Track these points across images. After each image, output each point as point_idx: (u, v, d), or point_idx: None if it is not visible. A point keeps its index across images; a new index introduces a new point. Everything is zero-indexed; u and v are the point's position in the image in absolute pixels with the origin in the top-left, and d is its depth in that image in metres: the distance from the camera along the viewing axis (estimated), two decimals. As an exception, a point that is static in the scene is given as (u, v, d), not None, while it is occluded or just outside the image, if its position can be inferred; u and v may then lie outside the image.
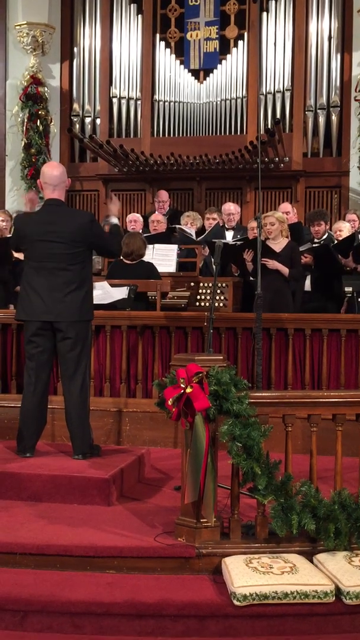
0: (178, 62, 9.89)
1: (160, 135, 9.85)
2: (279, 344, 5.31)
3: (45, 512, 3.71)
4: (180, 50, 9.95)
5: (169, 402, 3.20)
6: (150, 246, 6.50)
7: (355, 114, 9.28)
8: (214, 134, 9.68)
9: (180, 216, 8.02)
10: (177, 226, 7.51)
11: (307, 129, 9.55)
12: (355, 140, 9.25)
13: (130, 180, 10.03)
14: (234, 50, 9.74)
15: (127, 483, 4.13)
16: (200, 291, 6.46)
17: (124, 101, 9.99)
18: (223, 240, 6.22)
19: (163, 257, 6.60)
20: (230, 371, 3.27)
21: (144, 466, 4.53)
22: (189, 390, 3.15)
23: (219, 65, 9.75)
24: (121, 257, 6.00)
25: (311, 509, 3.18)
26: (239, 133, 9.59)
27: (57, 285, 4.26)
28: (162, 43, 9.94)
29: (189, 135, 9.76)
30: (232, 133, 9.61)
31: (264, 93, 9.61)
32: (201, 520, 3.25)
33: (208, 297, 6.32)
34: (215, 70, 9.75)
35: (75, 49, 10.26)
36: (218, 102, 9.68)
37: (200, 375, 3.19)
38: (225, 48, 9.83)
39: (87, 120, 10.17)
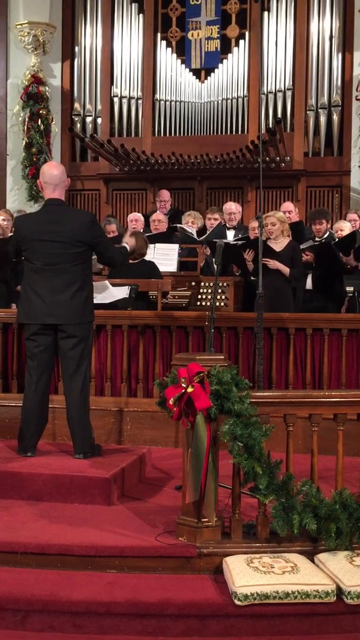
0: (179, 61, 9.90)
1: (162, 135, 9.85)
2: (280, 344, 5.31)
3: (46, 512, 3.71)
4: (182, 50, 9.96)
5: (170, 402, 3.20)
6: (151, 245, 6.50)
7: (357, 114, 9.28)
8: (215, 133, 9.68)
9: (182, 215, 8.02)
10: (179, 225, 7.51)
11: (308, 128, 9.55)
12: (356, 140, 9.25)
13: (131, 179, 10.03)
14: (235, 49, 9.74)
15: (128, 482, 4.13)
16: (201, 291, 6.45)
17: (125, 100, 9.99)
18: (224, 240, 6.21)
19: (164, 257, 6.59)
20: (232, 371, 3.26)
21: (145, 466, 4.53)
22: (190, 389, 3.15)
23: (220, 65, 9.75)
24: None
25: (312, 508, 3.18)
26: (240, 132, 9.59)
27: (58, 286, 4.25)
28: (164, 42, 9.95)
29: (190, 134, 9.76)
30: (233, 132, 9.61)
31: (265, 92, 9.61)
32: (202, 519, 3.25)
33: (209, 297, 6.32)
34: (216, 70, 9.75)
35: (76, 48, 10.27)
36: (219, 102, 9.68)
37: (202, 374, 3.18)
38: (226, 47, 9.83)
39: (88, 119, 10.17)
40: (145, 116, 9.94)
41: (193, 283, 6.50)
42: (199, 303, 6.42)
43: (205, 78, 9.83)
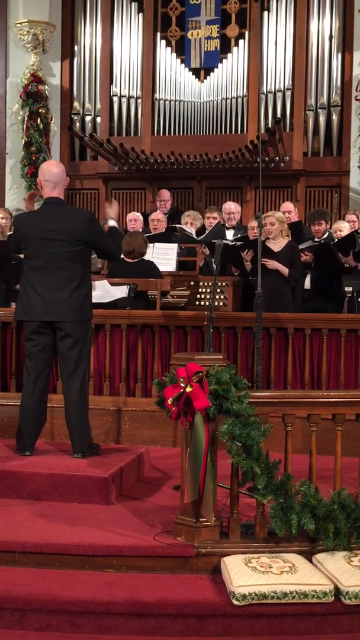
0: (179, 60, 9.89)
1: (161, 134, 9.85)
2: (279, 344, 5.31)
3: (44, 511, 3.71)
4: (181, 49, 9.96)
5: (169, 401, 3.20)
6: (150, 245, 6.49)
7: (356, 114, 9.29)
8: (214, 133, 9.68)
9: (181, 215, 8.02)
10: (178, 226, 7.51)
11: (307, 128, 9.56)
12: (356, 140, 9.25)
13: (130, 179, 10.03)
14: (234, 49, 9.74)
15: (126, 482, 4.13)
16: (200, 290, 6.45)
17: (124, 100, 9.99)
18: (223, 240, 6.21)
19: (163, 256, 6.59)
20: (230, 370, 3.26)
21: (144, 465, 4.53)
22: (188, 389, 3.15)
23: (219, 64, 9.75)
24: (122, 256, 5.99)
25: (310, 508, 3.18)
26: (239, 132, 9.59)
27: (57, 284, 4.25)
28: (163, 42, 9.94)
29: (189, 134, 9.76)
30: (233, 132, 9.61)
31: (265, 92, 9.61)
32: (200, 519, 3.25)
33: (208, 296, 6.32)
34: (216, 69, 9.75)
35: (75, 47, 10.26)
36: (219, 101, 9.68)
37: (200, 374, 3.18)
38: (226, 47, 9.83)
39: (88, 118, 10.17)
40: (144, 115, 9.93)
41: (192, 283, 6.50)
42: (197, 303, 6.42)
43: (205, 77, 9.83)
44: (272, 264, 5.95)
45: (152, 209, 8.96)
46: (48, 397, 4.50)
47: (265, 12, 9.66)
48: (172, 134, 9.80)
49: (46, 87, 9.94)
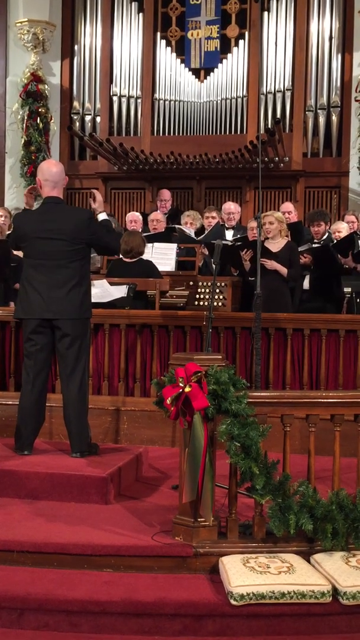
0: (179, 60, 9.89)
1: (160, 134, 9.85)
2: (278, 344, 5.31)
3: (42, 510, 3.71)
4: (181, 49, 9.96)
5: (168, 401, 3.20)
6: (149, 245, 6.49)
7: (356, 115, 9.29)
8: (214, 133, 9.68)
9: (181, 215, 8.02)
10: (177, 226, 7.51)
11: (307, 129, 9.56)
12: (355, 141, 9.26)
13: (129, 178, 10.03)
14: (234, 49, 9.74)
15: (124, 482, 4.13)
16: (199, 290, 6.45)
17: (124, 99, 9.98)
18: (223, 241, 6.22)
19: (162, 256, 6.59)
20: (229, 370, 3.27)
21: (142, 465, 4.53)
22: (187, 389, 3.15)
23: (219, 65, 9.75)
24: (120, 256, 6.00)
25: (309, 509, 3.18)
26: (239, 132, 9.59)
27: (57, 282, 4.26)
28: (163, 42, 9.94)
29: (189, 134, 9.76)
30: (232, 132, 9.62)
31: (265, 93, 9.62)
32: (199, 519, 3.25)
33: (207, 297, 6.32)
34: (215, 70, 9.75)
35: (75, 47, 10.26)
36: (218, 102, 9.68)
37: (199, 374, 3.19)
38: (226, 47, 9.84)
39: (87, 118, 10.17)
40: (144, 115, 9.93)
41: (191, 283, 6.50)
42: (196, 303, 6.42)
43: (205, 78, 9.83)
44: (271, 264, 5.95)
45: (151, 208, 8.97)
46: (47, 397, 4.50)
47: (265, 13, 9.66)
48: (171, 134, 9.81)
49: (46, 86, 9.95)
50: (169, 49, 9.93)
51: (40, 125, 9.77)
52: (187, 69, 9.87)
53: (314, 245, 6.99)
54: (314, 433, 3.36)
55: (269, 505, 3.21)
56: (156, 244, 6.71)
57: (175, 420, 3.26)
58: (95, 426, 4.87)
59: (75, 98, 10.23)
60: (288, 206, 7.76)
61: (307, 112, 9.54)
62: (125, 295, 5.54)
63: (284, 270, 6.01)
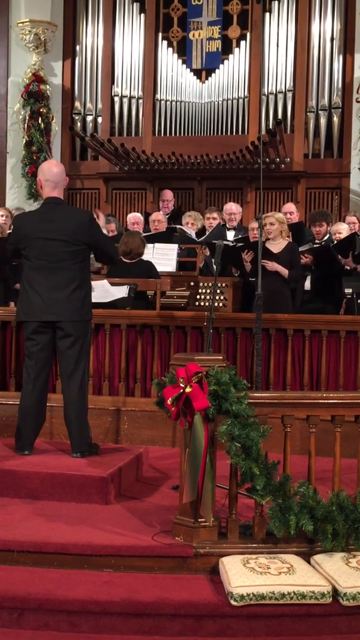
0: (180, 61, 9.89)
1: (162, 135, 9.85)
2: (279, 345, 5.31)
3: (43, 510, 3.71)
4: (183, 50, 9.95)
5: (168, 402, 3.20)
6: (150, 245, 6.50)
7: (357, 116, 9.29)
8: (215, 133, 9.68)
9: (182, 216, 8.02)
10: (178, 226, 7.51)
11: (308, 130, 9.56)
12: (357, 142, 9.26)
13: (131, 179, 10.03)
14: (236, 50, 9.74)
15: (125, 482, 4.13)
16: (200, 291, 6.45)
17: (125, 100, 9.98)
18: (224, 241, 6.22)
19: (163, 256, 6.59)
20: (230, 371, 3.27)
21: (142, 465, 4.53)
22: (188, 389, 3.15)
23: (221, 65, 9.75)
24: (120, 256, 6.00)
25: (309, 509, 3.18)
26: (240, 133, 9.59)
27: (57, 283, 4.25)
28: (165, 42, 9.94)
29: (190, 134, 9.76)
30: (234, 133, 9.61)
31: (266, 93, 9.62)
32: (199, 519, 3.25)
33: (208, 297, 6.32)
34: (217, 70, 9.75)
35: (77, 47, 10.26)
36: (220, 102, 9.68)
37: (200, 375, 3.19)
38: (227, 48, 9.83)
39: (89, 118, 10.17)
40: (145, 116, 9.93)
41: (192, 283, 6.50)
42: (197, 303, 6.42)
43: (206, 78, 9.82)
44: (272, 265, 5.95)
45: (152, 209, 8.97)
46: (47, 397, 4.50)
47: (267, 14, 9.66)
48: (173, 134, 9.80)
49: (47, 86, 9.95)
50: (170, 49, 9.93)
51: (42, 125, 9.77)
52: (188, 69, 9.87)
53: (314, 246, 7.00)
54: (315, 434, 3.37)
55: (269, 506, 3.21)
56: (157, 245, 6.71)
57: (176, 421, 3.26)
58: (96, 426, 4.88)
59: (77, 98, 10.23)
60: (290, 207, 7.77)
61: (308, 113, 9.54)
62: (126, 296, 5.54)
63: (284, 272, 6.01)
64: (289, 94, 9.53)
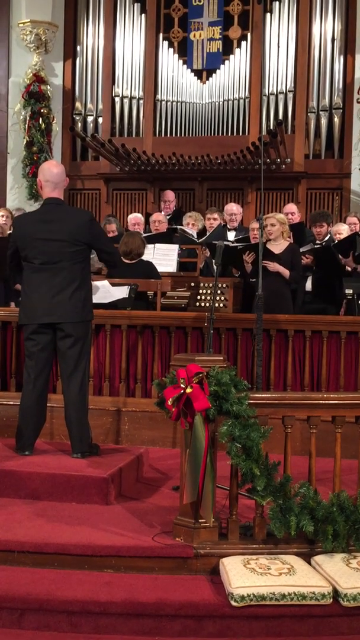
0: (181, 62, 9.90)
1: (162, 135, 9.85)
2: (279, 345, 5.31)
3: (43, 511, 3.71)
4: (184, 50, 9.95)
5: (169, 402, 3.20)
6: (150, 246, 6.49)
7: (358, 116, 9.29)
8: (216, 134, 9.68)
9: (183, 216, 8.02)
10: (179, 227, 7.51)
11: (309, 130, 9.56)
12: (357, 143, 9.26)
13: (131, 179, 10.03)
14: (237, 50, 9.74)
15: (125, 482, 4.13)
16: (200, 291, 6.45)
17: (126, 100, 9.99)
18: (224, 242, 6.21)
19: (164, 257, 6.59)
20: (230, 372, 3.27)
21: (143, 466, 4.53)
22: (188, 390, 3.15)
23: (221, 66, 9.75)
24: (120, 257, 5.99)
25: (309, 510, 3.18)
26: (241, 134, 9.59)
27: (58, 284, 4.25)
28: (165, 43, 9.95)
29: (191, 135, 9.76)
30: (234, 134, 9.62)
31: (267, 94, 9.62)
32: (199, 520, 3.25)
33: (208, 298, 6.32)
34: (218, 71, 9.75)
35: (78, 48, 10.27)
36: (220, 103, 9.68)
37: (201, 375, 3.19)
38: (228, 48, 9.84)
39: (90, 118, 10.17)
40: (146, 116, 9.93)
41: (192, 284, 6.50)
42: (198, 304, 6.42)
43: (207, 79, 9.82)
44: (273, 266, 5.95)
45: (153, 209, 8.97)
46: (48, 397, 4.50)
47: (268, 14, 9.66)
48: (173, 135, 9.81)
49: (48, 87, 9.96)
50: (171, 50, 9.93)
51: (43, 125, 9.77)
52: (189, 70, 9.87)
53: (315, 246, 7.00)
54: (315, 435, 3.36)
55: (269, 507, 3.21)
56: (158, 245, 6.71)
57: (177, 421, 3.26)
58: (96, 427, 4.88)
59: (78, 99, 10.23)
60: (291, 207, 7.77)
61: (309, 114, 9.54)
62: (127, 296, 5.54)
63: (286, 272, 6.00)
64: (290, 95, 9.53)
